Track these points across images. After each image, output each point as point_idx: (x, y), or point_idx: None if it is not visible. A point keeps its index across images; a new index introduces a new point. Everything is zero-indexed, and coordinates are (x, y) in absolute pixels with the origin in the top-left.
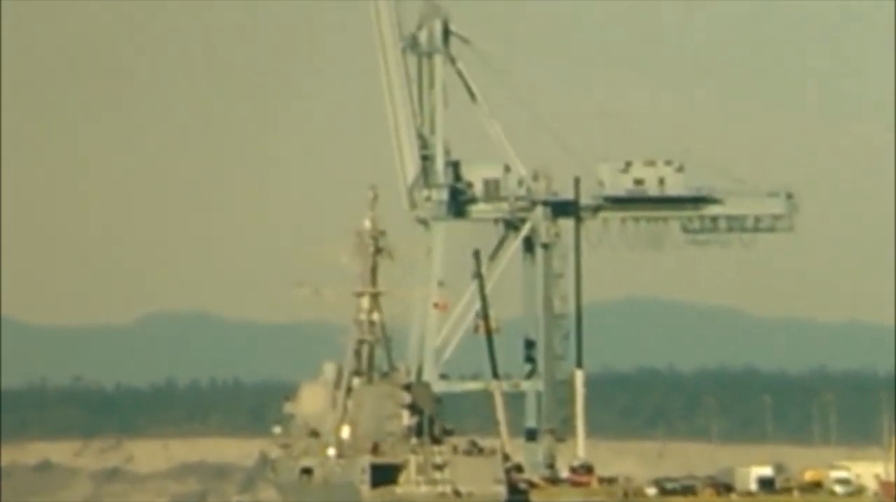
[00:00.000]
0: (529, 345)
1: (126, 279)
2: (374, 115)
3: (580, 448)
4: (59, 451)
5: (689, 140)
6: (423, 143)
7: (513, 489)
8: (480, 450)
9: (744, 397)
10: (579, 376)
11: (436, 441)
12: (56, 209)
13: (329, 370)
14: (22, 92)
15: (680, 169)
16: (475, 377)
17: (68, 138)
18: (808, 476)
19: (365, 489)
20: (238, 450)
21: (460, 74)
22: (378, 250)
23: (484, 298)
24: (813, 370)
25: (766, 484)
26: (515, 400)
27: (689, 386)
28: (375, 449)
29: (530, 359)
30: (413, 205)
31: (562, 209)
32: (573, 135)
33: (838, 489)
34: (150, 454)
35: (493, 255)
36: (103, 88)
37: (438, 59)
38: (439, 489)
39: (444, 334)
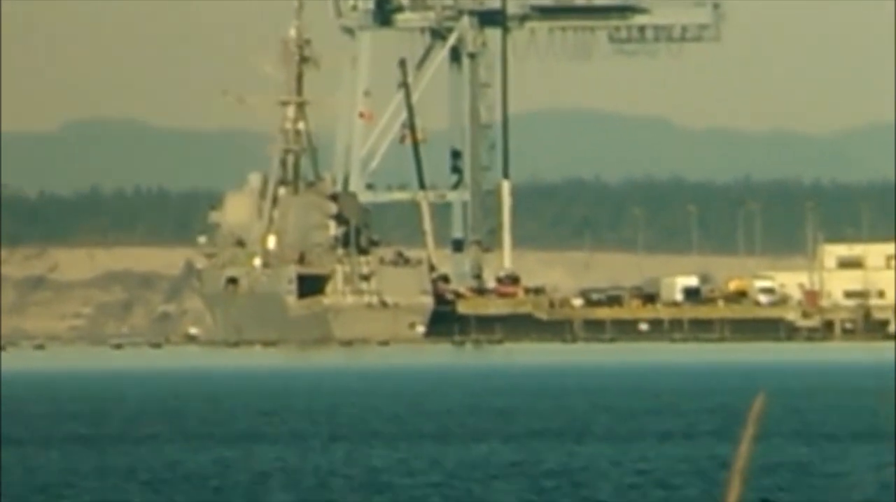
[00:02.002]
0: (456, 155)
1: (51, 85)
2: None
3: (507, 258)
4: None
5: None
6: None
7: (439, 299)
8: (407, 261)
9: (670, 207)
10: (506, 186)
11: (362, 251)
12: None
13: (254, 179)
14: None
15: None
16: (402, 187)
17: None
18: (733, 285)
19: (291, 299)
20: (164, 260)
21: None
22: (303, 59)
23: (410, 108)
24: (738, 180)
25: (691, 293)
26: (442, 211)
27: (616, 197)
28: (302, 260)
29: (457, 169)
30: (339, 13)
31: (489, 18)
32: None
33: (762, 298)
34: (74, 262)
35: (420, 65)
36: None
37: None
38: (366, 299)
39: (370, 144)
